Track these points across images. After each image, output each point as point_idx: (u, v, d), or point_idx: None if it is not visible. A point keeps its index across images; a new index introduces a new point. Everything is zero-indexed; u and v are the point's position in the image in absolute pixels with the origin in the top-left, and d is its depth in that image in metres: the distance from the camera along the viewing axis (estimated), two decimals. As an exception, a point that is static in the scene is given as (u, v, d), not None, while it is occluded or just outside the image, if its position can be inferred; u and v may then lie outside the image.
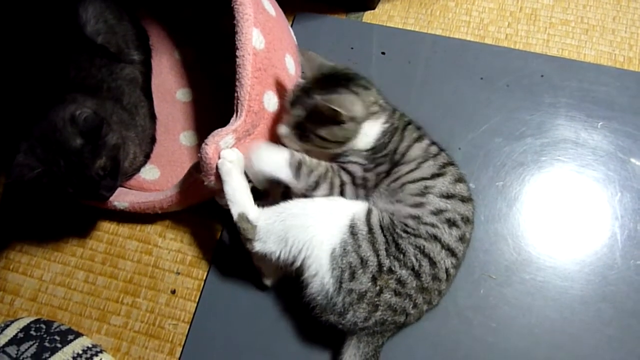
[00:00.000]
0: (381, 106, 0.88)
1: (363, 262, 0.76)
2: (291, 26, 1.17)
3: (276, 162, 0.83)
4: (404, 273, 0.77)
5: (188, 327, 0.93)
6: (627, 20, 1.16)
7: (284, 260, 0.79)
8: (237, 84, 0.85)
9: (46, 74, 0.96)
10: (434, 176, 0.82)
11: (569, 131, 1.03)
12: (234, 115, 0.86)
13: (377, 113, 0.87)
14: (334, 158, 0.87)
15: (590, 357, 0.85)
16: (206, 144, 0.82)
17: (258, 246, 0.81)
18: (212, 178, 0.84)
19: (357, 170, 0.84)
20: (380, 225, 0.79)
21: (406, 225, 0.79)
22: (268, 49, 0.90)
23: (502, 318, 0.89)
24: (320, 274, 0.77)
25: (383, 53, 1.14)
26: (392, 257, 0.77)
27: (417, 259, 0.77)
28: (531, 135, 1.03)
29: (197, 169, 0.89)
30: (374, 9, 1.22)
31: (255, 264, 0.90)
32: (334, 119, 0.81)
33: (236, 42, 0.85)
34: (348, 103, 0.82)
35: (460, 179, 0.85)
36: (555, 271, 0.92)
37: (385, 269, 0.76)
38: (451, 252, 0.80)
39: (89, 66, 0.96)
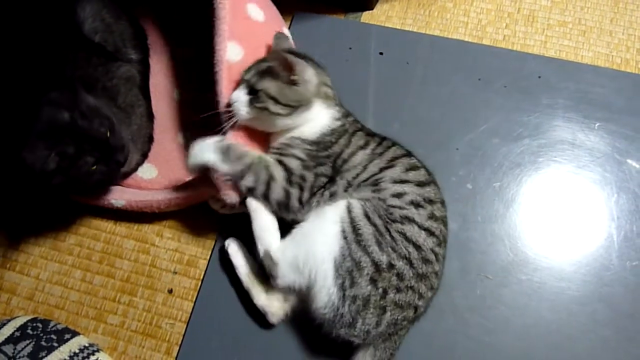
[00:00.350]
0: (334, 98, 0.91)
1: (357, 265, 0.76)
2: (289, 26, 1.17)
3: (205, 145, 0.84)
4: (400, 265, 0.76)
5: (185, 326, 0.93)
6: (624, 22, 1.16)
7: (304, 286, 0.79)
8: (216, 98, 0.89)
9: (44, 73, 0.95)
10: (382, 169, 0.84)
11: (566, 132, 1.03)
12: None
13: (329, 99, 0.90)
14: (278, 149, 0.87)
15: (586, 357, 0.86)
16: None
17: (281, 282, 0.82)
18: (230, 193, 0.86)
19: (296, 167, 0.84)
20: (366, 216, 0.79)
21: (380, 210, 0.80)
22: (247, 59, 0.92)
23: (499, 318, 0.89)
24: (327, 286, 0.76)
25: (381, 53, 1.14)
26: (390, 249, 0.77)
27: (404, 246, 0.78)
28: (528, 136, 1.03)
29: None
30: (372, 9, 1.22)
31: (257, 305, 0.88)
32: (287, 75, 0.84)
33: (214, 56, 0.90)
34: (302, 64, 0.85)
35: (413, 168, 0.86)
36: (552, 272, 0.92)
37: (384, 265, 0.76)
38: (428, 231, 0.80)
39: (86, 65, 0.96)
